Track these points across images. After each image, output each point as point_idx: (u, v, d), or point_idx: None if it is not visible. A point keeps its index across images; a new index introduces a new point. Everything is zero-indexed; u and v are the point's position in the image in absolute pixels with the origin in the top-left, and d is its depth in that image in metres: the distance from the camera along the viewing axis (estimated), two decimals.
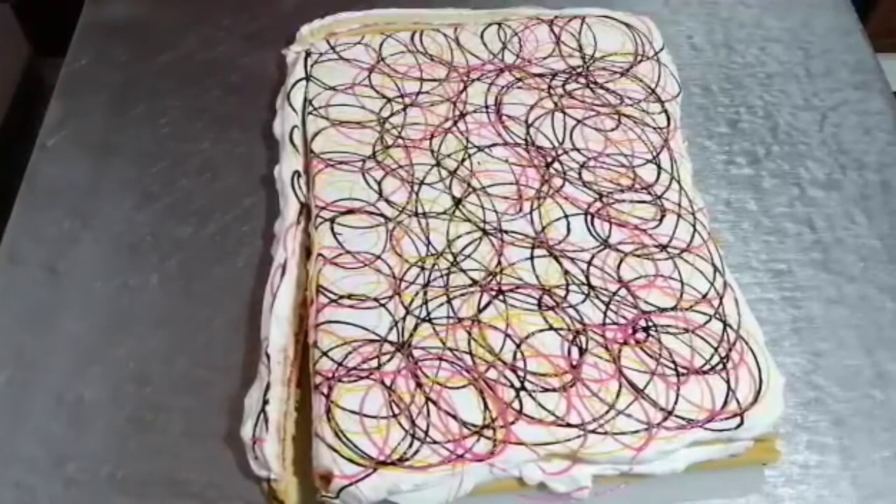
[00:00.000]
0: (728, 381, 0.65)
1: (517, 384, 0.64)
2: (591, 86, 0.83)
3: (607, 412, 0.63)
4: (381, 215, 0.73)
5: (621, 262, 0.71)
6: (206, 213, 0.79)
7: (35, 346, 0.72)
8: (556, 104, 0.82)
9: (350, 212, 0.73)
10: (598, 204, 0.75)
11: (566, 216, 0.74)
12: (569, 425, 0.63)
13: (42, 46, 1.06)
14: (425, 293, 0.69)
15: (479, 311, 0.68)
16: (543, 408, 0.63)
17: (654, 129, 0.80)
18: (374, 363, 0.65)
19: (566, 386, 0.65)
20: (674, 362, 0.66)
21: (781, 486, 0.67)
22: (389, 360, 0.65)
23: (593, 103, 0.82)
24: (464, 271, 0.70)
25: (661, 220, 0.74)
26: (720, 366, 0.66)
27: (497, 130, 0.80)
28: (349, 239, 0.72)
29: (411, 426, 0.62)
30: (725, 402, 0.64)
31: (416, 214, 0.73)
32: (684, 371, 0.66)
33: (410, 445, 0.61)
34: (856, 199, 0.82)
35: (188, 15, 0.94)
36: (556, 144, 0.79)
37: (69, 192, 0.78)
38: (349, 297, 0.68)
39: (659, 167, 0.78)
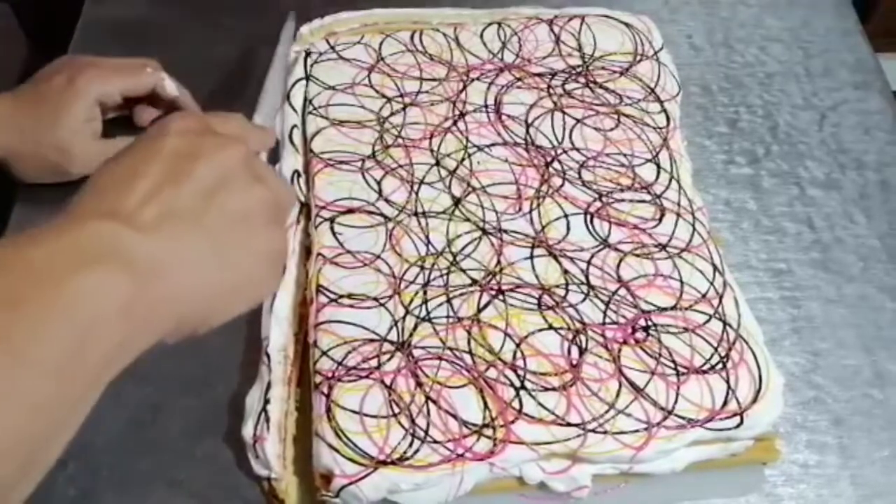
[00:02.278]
0: (728, 381, 0.65)
1: (517, 383, 0.64)
2: (591, 85, 0.83)
3: (607, 411, 0.63)
4: (381, 215, 0.73)
5: (621, 261, 0.71)
6: None
7: None
8: (555, 104, 0.82)
9: (350, 211, 0.73)
10: (598, 203, 0.75)
11: (566, 216, 0.74)
12: (569, 424, 0.63)
13: (42, 46, 1.06)
14: (425, 293, 0.69)
15: (479, 310, 0.68)
16: (543, 407, 0.63)
17: (654, 128, 0.80)
18: (374, 363, 0.65)
19: (566, 385, 0.65)
20: (673, 362, 0.66)
21: (781, 485, 0.67)
22: (389, 360, 0.65)
23: (593, 103, 0.82)
24: (463, 271, 0.70)
25: (660, 220, 0.74)
26: (720, 365, 0.66)
27: (497, 130, 0.80)
28: (349, 238, 0.72)
29: (411, 425, 0.62)
30: (725, 402, 0.64)
31: (416, 214, 0.73)
32: (684, 370, 0.66)
33: (410, 445, 0.61)
34: (855, 199, 0.82)
35: (188, 15, 0.94)
36: (556, 144, 0.79)
37: (70, 190, 0.78)
38: (349, 296, 0.68)
39: (658, 167, 0.78)
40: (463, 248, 0.72)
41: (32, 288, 0.41)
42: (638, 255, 0.72)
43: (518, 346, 0.66)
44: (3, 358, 0.39)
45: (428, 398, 0.63)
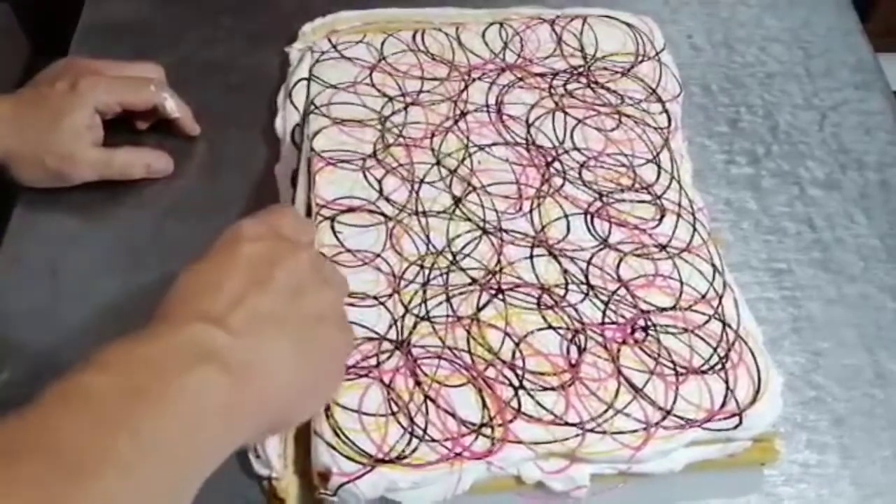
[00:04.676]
0: (727, 381, 0.65)
1: (516, 383, 0.64)
2: (592, 85, 0.83)
3: (606, 411, 0.63)
4: (382, 214, 0.73)
5: (621, 261, 0.71)
6: (206, 213, 0.79)
7: (35, 345, 0.72)
8: (556, 104, 0.82)
9: (350, 210, 0.73)
10: (598, 203, 0.75)
11: (566, 215, 0.74)
12: (567, 424, 0.63)
13: (42, 46, 1.06)
14: (425, 292, 0.69)
15: (479, 309, 0.68)
16: (542, 406, 0.63)
17: (655, 128, 0.80)
18: (373, 361, 0.65)
19: (565, 385, 0.65)
20: (672, 362, 0.66)
21: (781, 485, 0.67)
22: (388, 358, 0.65)
23: (594, 103, 0.82)
24: (463, 270, 0.70)
25: (660, 220, 0.74)
26: (719, 366, 0.66)
27: (498, 130, 0.80)
28: (349, 237, 0.72)
29: (410, 424, 0.62)
30: (724, 402, 0.64)
31: (417, 213, 0.73)
32: (683, 371, 0.66)
33: (409, 443, 0.61)
34: (856, 199, 0.82)
35: (188, 15, 0.94)
36: (557, 144, 0.79)
37: (70, 192, 0.78)
38: (349, 294, 0.68)
39: (659, 167, 0.78)
40: (463, 248, 0.72)
41: (148, 382, 0.46)
42: (638, 256, 0.72)
43: (517, 345, 0.66)
44: (130, 443, 0.43)
45: (426, 397, 0.63)
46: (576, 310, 0.69)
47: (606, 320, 0.68)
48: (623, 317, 0.68)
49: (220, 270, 0.53)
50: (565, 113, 0.81)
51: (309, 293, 0.55)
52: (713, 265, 0.72)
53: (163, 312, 0.52)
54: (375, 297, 0.68)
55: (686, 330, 0.68)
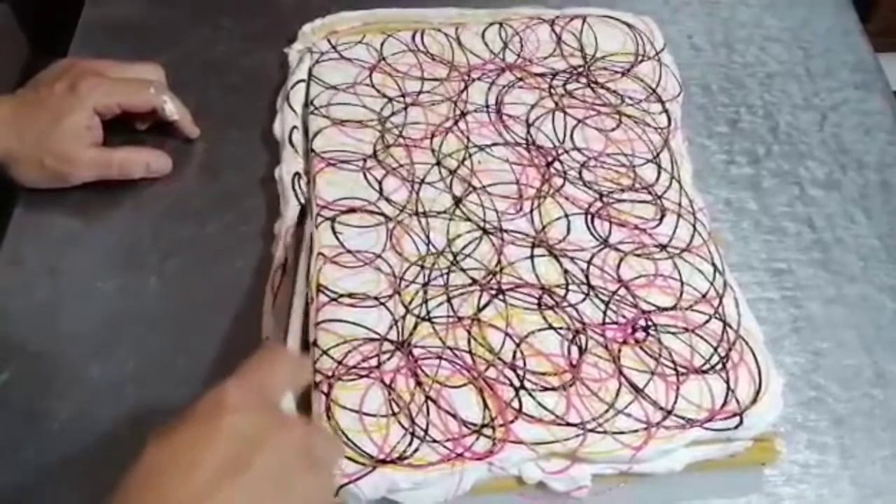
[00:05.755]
0: (727, 381, 0.65)
1: (516, 383, 0.64)
2: (592, 85, 0.83)
3: (606, 411, 0.63)
4: (382, 214, 0.73)
5: (621, 261, 0.71)
6: (206, 213, 0.79)
7: (35, 345, 0.71)
8: (556, 104, 0.82)
9: (351, 211, 0.73)
10: (599, 203, 0.75)
11: (566, 216, 0.74)
12: (568, 424, 0.63)
13: (42, 46, 1.06)
14: (425, 292, 0.69)
15: (479, 309, 0.68)
16: (543, 407, 0.63)
17: (655, 128, 0.80)
18: (374, 362, 0.65)
19: (565, 385, 0.65)
20: (673, 362, 0.66)
21: (781, 485, 0.67)
22: (389, 359, 0.65)
23: (594, 103, 0.82)
24: (464, 270, 0.70)
25: (661, 220, 0.74)
26: (720, 365, 0.66)
27: (498, 130, 0.80)
28: (349, 238, 0.72)
29: (411, 425, 0.62)
30: (725, 402, 0.64)
31: (417, 213, 0.73)
32: (684, 370, 0.66)
33: (410, 444, 0.61)
34: (856, 199, 0.82)
35: (188, 15, 0.94)
36: (557, 144, 0.79)
37: (70, 192, 0.78)
38: (349, 295, 0.68)
39: (659, 167, 0.78)
40: (463, 248, 0.72)
41: None
42: (638, 255, 0.72)
43: (518, 345, 0.66)
44: None
45: (427, 397, 0.63)
46: (576, 310, 0.68)
47: (607, 320, 0.68)
48: (624, 317, 0.68)
49: (194, 448, 0.47)
50: (565, 113, 0.81)
51: (293, 480, 0.49)
52: (713, 265, 0.72)
53: (124, 494, 0.46)
54: (376, 298, 0.68)
55: (687, 330, 0.68)
